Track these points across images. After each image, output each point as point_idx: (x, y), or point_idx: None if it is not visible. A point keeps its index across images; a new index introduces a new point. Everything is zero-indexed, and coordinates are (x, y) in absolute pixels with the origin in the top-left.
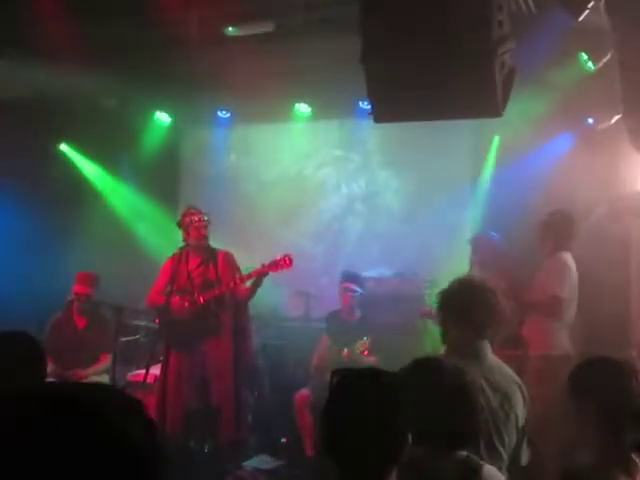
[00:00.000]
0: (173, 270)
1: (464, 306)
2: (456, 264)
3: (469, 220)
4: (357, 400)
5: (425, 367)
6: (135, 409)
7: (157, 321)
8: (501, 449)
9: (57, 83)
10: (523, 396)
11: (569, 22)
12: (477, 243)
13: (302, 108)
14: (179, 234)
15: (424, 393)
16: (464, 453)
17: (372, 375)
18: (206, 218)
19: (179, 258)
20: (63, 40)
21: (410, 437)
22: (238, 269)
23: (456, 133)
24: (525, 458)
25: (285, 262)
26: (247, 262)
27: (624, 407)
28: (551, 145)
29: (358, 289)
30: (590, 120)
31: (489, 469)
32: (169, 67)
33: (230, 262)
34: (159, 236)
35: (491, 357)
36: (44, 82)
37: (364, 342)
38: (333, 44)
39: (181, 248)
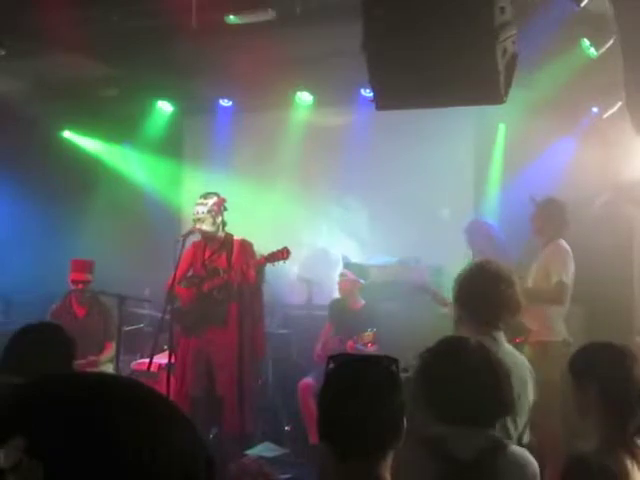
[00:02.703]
0: (192, 258)
1: (477, 300)
2: (460, 251)
3: (474, 207)
4: (353, 384)
5: (451, 346)
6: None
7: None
8: (512, 432)
9: (57, 72)
10: (534, 380)
11: (571, 8)
12: (471, 231)
13: (304, 96)
14: (182, 222)
15: (450, 372)
16: (490, 432)
17: (368, 359)
18: (209, 209)
19: (197, 245)
20: (63, 29)
21: (422, 418)
22: (253, 256)
23: (459, 119)
24: (526, 438)
25: (282, 254)
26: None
27: (624, 391)
28: (556, 136)
29: (357, 278)
30: (595, 109)
31: (515, 449)
32: (170, 56)
33: (245, 250)
34: (163, 224)
35: (506, 346)
36: (45, 71)
37: (369, 334)
38: (334, 31)
39: (183, 236)
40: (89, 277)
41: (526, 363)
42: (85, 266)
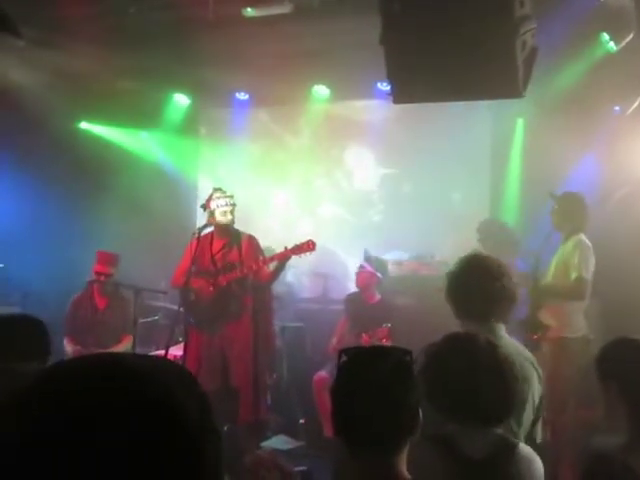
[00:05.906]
0: (197, 252)
1: (466, 295)
2: (475, 246)
3: (490, 203)
4: (365, 377)
5: (458, 342)
6: (191, 382)
7: (179, 305)
8: (516, 429)
9: (75, 65)
10: (538, 375)
11: (591, 2)
12: (482, 230)
13: (320, 90)
14: (197, 214)
15: (458, 369)
16: (499, 431)
17: (381, 351)
18: (232, 202)
19: (204, 240)
20: (81, 21)
21: (428, 414)
22: (262, 252)
23: (477, 113)
24: (539, 436)
25: (308, 246)
26: (263, 245)
27: None
28: (575, 132)
29: (375, 271)
30: (617, 108)
31: (524, 447)
32: (186, 49)
33: (254, 246)
34: (179, 217)
35: (506, 338)
36: (62, 64)
37: (383, 329)
38: (351, 25)
39: (199, 229)
40: (112, 270)
41: (530, 357)
42: (110, 259)
